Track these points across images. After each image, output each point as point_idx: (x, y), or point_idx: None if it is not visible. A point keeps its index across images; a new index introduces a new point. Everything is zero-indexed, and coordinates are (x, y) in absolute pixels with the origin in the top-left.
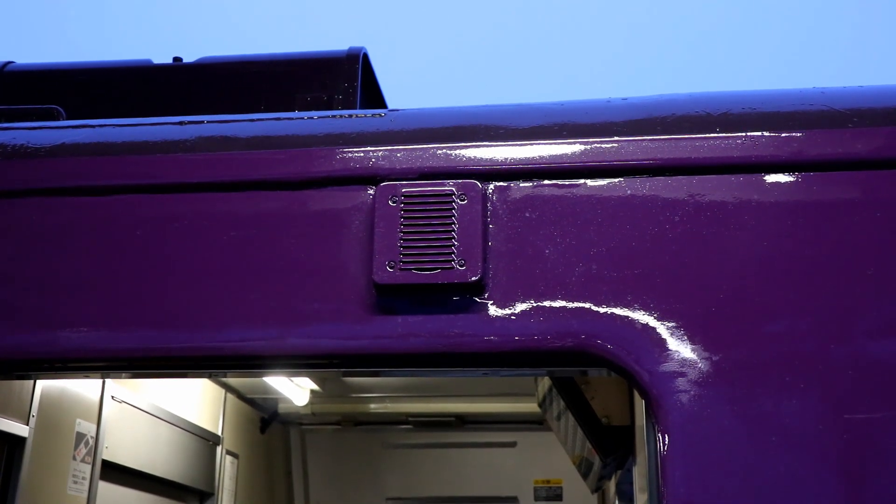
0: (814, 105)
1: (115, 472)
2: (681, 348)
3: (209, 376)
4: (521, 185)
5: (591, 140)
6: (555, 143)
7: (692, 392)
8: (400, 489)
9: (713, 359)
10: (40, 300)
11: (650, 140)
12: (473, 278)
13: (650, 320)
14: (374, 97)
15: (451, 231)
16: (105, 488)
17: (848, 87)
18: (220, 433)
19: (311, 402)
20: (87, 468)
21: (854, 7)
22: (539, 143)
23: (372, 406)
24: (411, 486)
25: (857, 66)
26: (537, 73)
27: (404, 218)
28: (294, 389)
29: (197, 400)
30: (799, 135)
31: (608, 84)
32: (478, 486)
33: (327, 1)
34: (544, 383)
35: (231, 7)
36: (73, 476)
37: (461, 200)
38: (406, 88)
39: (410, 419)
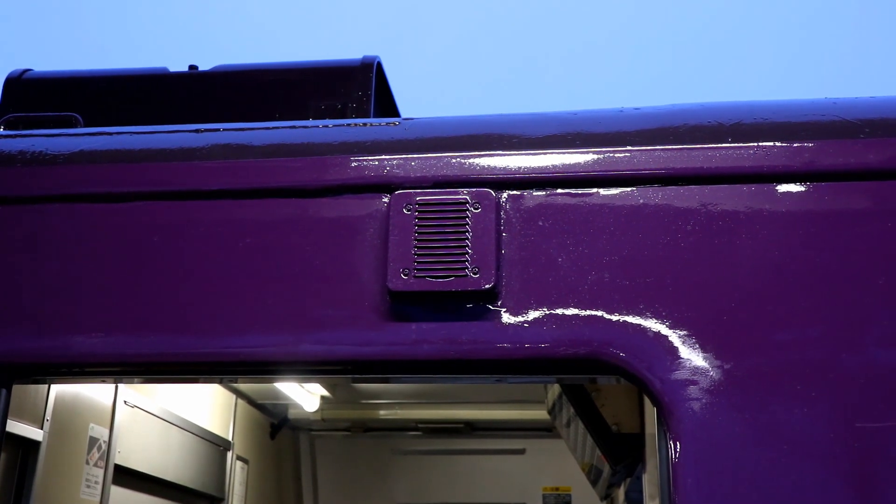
0: (825, 115)
1: (127, 477)
2: (692, 356)
3: (221, 382)
4: (535, 193)
5: (603, 149)
6: (568, 153)
7: (704, 400)
8: (409, 495)
9: (725, 367)
10: (56, 305)
11: (662, 150)
12: (487, 286)
13: (662, 328)
14: (387, 105)
15: (464, 239)
16: (117, 493)
17: (859, 98)
18: (230, 438)
19: (321, 408)
20: (100, 472)
21: (855, 13)
22: (552, 153)
23: (381, 412)
24: (420, 493)
25: (858, 72)
26: (538, 79)
27: (418, 226)
28: (304, 395)
29: (208, 405)
30: (810, 145)
31: (602, 84)
32: (487, 493)
33: (338, 9)
34: (554, 390)
35: (246, 17)
36: (87, 480)
37: (475, 209)
38: (411, 96)
39: (420, 426)
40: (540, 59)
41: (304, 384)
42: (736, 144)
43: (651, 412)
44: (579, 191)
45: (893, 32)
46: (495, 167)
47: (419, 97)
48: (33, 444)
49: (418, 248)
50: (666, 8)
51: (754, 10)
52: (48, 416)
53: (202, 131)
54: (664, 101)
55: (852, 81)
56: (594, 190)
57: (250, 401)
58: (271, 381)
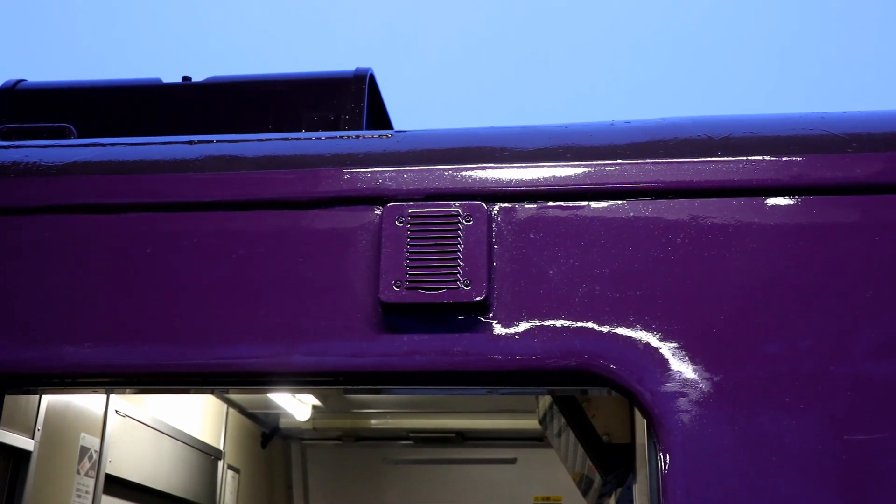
0: (814, 130)
1: (118, 486)
2: (682, 368)
3: (213, 392)
4: (526, 206)
5: (594, 162)
6: (559, 166)
7: (693, 412)
8: None
9: (714, 379)
10: (48, 315)
11: (653, 163)
12: (478, 298)
13: (652, 340)
14: (379, 117)
15: (456, 251)
16: (108, 502)
17: (847, 112)
18: (221, 448)
19: (312, 418)
20: (91, 482)
21: (853, 16)
22: (543, 166)
23: (373, 422)
24: (411, 502)
25: (854, 72)
26: (537, 87)
27: (411, 238)
28: (296, 405)
29: (199, 414)
30: (799, 159)
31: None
32: (478, 503)
33: (335, 15)
34: (545, 400)
35: (242, 24)
36: (77, 490)
37: (467, 221)
38: (408, 98)
39: (411, 435)
40: (537, 60)
41: (295, 394)
42: (725, 158)
43: (641, 423)
44: (570, 204)
45: (886, 39)
46: (487, 180)
47: (416, 99)
48: (24, 454)
49: (410, 260)
50: (662, 9)
51: (752, 10)
52: (39, 425)
53: (195, 143)
54: (661, 102)
55: (848, 81)
56: (585, 203)
57: (241, 410)
58: (264, 392)
